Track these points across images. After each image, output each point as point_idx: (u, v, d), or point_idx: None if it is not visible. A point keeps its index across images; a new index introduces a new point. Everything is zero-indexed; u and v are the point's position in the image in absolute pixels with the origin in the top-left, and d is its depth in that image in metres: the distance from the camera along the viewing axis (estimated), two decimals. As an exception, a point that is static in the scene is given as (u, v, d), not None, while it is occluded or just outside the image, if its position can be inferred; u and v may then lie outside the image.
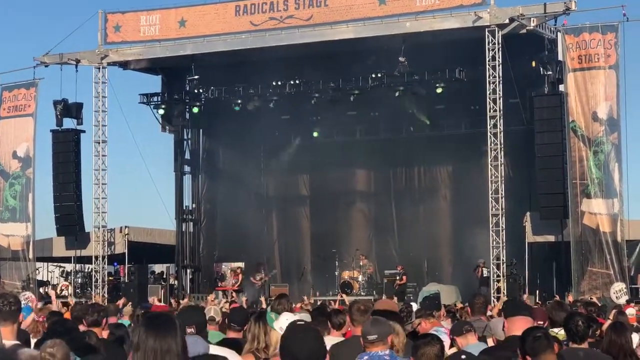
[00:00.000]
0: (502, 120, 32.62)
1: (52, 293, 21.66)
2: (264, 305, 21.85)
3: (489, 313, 15.32)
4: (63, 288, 39.57)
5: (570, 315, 9.51)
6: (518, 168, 36.48)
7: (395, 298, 28.01)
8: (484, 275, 33.66)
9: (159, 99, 39.94)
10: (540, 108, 32.63)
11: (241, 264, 39.57)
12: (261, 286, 37.72)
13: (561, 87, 32.30)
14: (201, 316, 8.60)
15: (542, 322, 10.12)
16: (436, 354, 7.66)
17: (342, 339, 10.00)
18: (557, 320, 10.42)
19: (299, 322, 6.67)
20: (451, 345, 9.58)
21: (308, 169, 41.62)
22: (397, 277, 36.73)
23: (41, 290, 38.46)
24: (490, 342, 9.69)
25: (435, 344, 7.72)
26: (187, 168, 42.05)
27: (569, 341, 9.03)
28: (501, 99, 32.55)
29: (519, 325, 8.16)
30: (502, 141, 32.60)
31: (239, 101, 38.29)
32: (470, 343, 9.47)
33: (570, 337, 8.89)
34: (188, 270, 41.29)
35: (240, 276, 38.34)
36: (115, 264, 40.52)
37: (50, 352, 7.05)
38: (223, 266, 39.96)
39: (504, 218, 32.41)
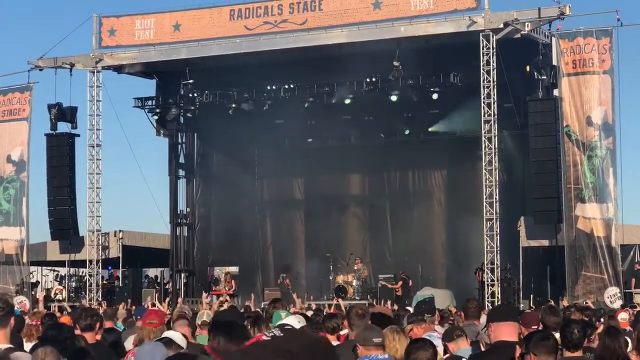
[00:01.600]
0: (496, 125, 32.64)
1: (40, 295, 21.59)
2: (252, 309, 21.82)
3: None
4: (57, 292, 39.52)
5: (567, 323, 9.49)
6: (512, 172, 36.53)
7: (389, 302, 28.01)
8: (483, 280, 33.61)
9: (154, 103, 39.96)
10: (535, 112, 32.64)
11: (235, 268, 39.56)
12: (291, 288, 37.57)
13: (555, 92, 32.30)
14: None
15: (535, 327, 10.11)
16: (429, 358, 7.67)
17: (337, 342, 10.01)
18: (549, 325, 10.41)
19: (286, 327, 6.67)
20: (445, 352, 9.58)
21: (302, 173, 41.61)
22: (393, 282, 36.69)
23: (34, 292, 38.43)
24: (482, 346, 9.67)
25: (428, 349, 7.72)
26: (181, 172, 42.03)
27: (563, 348, 9.02)
28: (495, 103, 32.57)
29: (505, 331, 8.14)
30: (496, 145, 32.62)
31: (234, 105, 38.29)
32: (461, 347, 9.47)
33: (564, 345, 8.88)
34: (182, 275, 41.27)
35: (233, 282, 38.30)
36: (110, 267, 40.47)
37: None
38: (217, 270, 39.94)
39: (498, 222, 32.41)
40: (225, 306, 23.19)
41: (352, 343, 8.80)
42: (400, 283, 36.41)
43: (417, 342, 8.03)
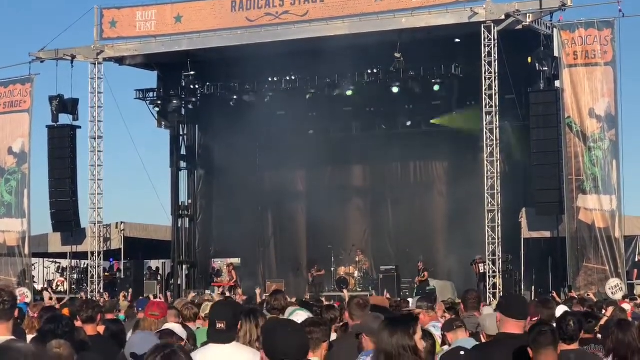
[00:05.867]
0: (497, 116, 32.63)
1: (46, 295, 21.58)
2: (258, 300, 21.86)
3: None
4: (59, 284, 39.57)
5: (564, 315, 9.49)
6: (514, 164, 36.49)
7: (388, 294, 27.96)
8: (481, 272, 33.64)
9: (155, 95, 39.95)
10: (536, 104, 32.62)
11: (237, 260, 39.57)
12: (313, 282, 37.64)
13: (557, 83, 32.29)
14: (234, 311, 7.90)
15: (536, 318, 10.11)
16: (428, 350, 7.66)
17: (334, 335, 10.02)
18: (542, 318, 10.39)
19: (281, 318, 6.69)
20: (443, 343, 9.60)
21: (304, 165, 41.55)
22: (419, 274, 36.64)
23: (36, 287, 38.51)
24: (483, 338, 9.69)
25: (427, 340, 7.71)
26: (183, 164, 42.03)
27: (560, 341, 9.01)
28: (497, 95, 32.55)
29: (512, 325, 8.13)
30: (497, 137, 32.60)
31: (235, 97, 38.29)
32: (460, 338, 9.50)
33: (560, 337, 8.88)
34: (184, 266, 41.28)
35: (234, 272, 38.36)
36: (111, 259, 40.50)
37: (57, 353, 7.04)
38: (219, 262, 39.96)
39: (499, 214, 32.40)
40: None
41: (354, 332, 8.79)
42: (426, 274, 36.27)
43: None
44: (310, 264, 38.92)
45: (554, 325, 8.64)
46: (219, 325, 7.36)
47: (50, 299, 19.25)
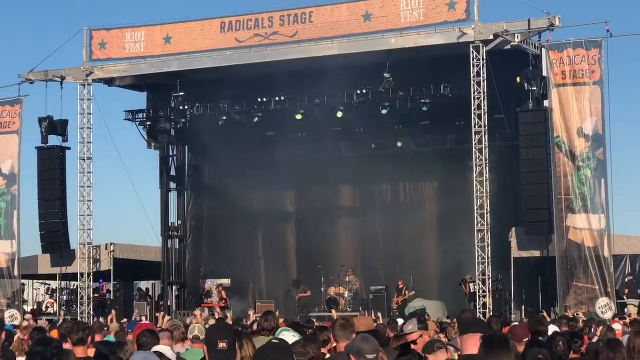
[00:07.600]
0: (487, 136, 32.68)
1: (28, 317, 21.52)
2: (252, 319, 21.86)
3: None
4: (48, 305, 39.45)
5: (553, 335, 9.52)
6: (503, 184, 36.51)
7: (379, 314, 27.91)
8: (471, 291, 33.61)
9: (144, 116, 39.98)
10: (525, 124, 32.70)
11: (227, 281, 39.50)
12: (299, 303, 37.60)
13: (546, 103, 32.36)
14: (231, 331, 7.85)
15: (527, 339, 10.12)
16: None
17: (328, 355, 10.01)
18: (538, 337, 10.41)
19: (273, 340, 6.68)
20: None
21: (294, 185, 41.58)
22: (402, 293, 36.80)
23: (26, 308, 38.36)
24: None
25: (415, 360, 7.73)
26: (172, 184, 42.00)
27: None
28: (486, 114, 32.61)
29: (472, 343, 8.05)
30: (487, 157, 32.64)
31: (225, 117, 38.28)
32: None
33: (550, 357, 8.89)
34: (174, 287, 41.20)
35: (223, 293, 38.28)
36: (101, 281, 40.40)
37: None
38: (209, 283, 39.89)
39: (489, 234, 32.41)
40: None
41: (343, 354, 8.78)
42: (407, 293, 36.48)
43: (407, 355, 8.02)
44: (296, 285, 38.81)
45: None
46: (222, 345, 7.25)
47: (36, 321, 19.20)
